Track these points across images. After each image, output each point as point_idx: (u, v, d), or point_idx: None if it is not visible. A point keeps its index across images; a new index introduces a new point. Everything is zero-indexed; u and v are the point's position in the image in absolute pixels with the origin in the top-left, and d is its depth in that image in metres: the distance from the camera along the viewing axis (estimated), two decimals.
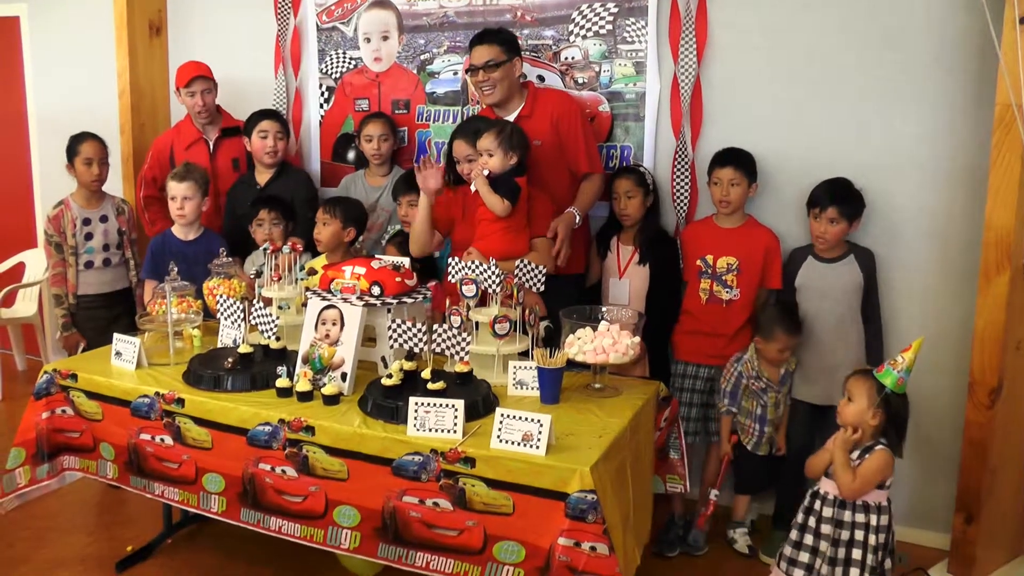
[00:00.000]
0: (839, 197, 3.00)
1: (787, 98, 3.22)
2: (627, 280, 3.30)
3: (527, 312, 2.57)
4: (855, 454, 2.38)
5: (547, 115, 3.21)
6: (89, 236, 3.73)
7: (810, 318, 3.06)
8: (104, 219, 3.77)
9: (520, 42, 3.31)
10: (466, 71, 3.28)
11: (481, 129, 3.02)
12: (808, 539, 2.43)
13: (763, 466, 3.19)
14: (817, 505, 2.43)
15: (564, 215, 3.10)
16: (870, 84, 3.09)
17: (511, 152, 2.89)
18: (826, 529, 2.40)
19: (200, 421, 2.49)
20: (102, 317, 3.68)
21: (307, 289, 2.75)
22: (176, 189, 3.42)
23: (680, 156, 3.39)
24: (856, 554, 2.36)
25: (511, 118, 3.22)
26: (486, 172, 2.90)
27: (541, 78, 3.54)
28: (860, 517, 2.37)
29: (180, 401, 2.52)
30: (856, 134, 3.13)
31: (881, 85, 3.08)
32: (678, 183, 3.41)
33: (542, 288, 2.73)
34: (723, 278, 3.18)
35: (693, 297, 3.24)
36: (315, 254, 3.34)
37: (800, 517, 2.47)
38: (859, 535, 2.37)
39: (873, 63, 3.07)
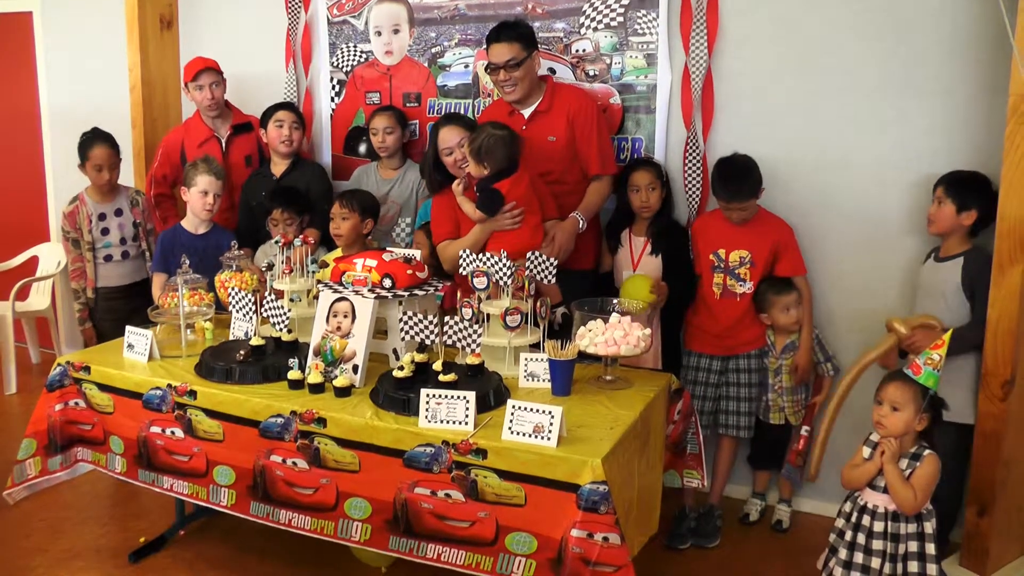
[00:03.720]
0: (951, 177, 2.86)
1: (799, 90, 3.19)
2: (640, 272, 3.29)
3: (538, 304, 2.56)
4: (903, 463, 2.26)
5: (564, 111, 3.20)
6: (105, 231, 3.75)
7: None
8: (119, 212, 3.78)
9: None
10: (485, 68, 3.25)
11: (464, 118, 3.05)
12: (859, 557, 2.28)
13: (775, 439, 3.24)
14: (866, 520, 2.29)
15: (567, 221, 3.08)
16: (883, 75, 3.07)
17: (482, 163, 2.86)
18: (879, 545, 2.26)
19: (212, 413, 2.49)
20: (122, 308, 3.70)
21: (319, 282, 2.76)
22: (212, 185, 3.44)
23: (691, 148, 3.37)
24: (913, 567, 2.22)
25: (528, 112, 3.22)
26: (464, 178, 2.89)
27: (552, 71, 3.53)
28: (913, 527, 2.25)
29: (192, 393, 2.52)
30: (869, 126, 3.11)
31: (894, 76, 3.05)
32: (689, 175, 3.39)
33: (552, 280, 2.72)
34: (736, 272, 3.17)
35: (707, 292, 3.22)
36: (331, 247, 3.34)
37: (849, 535, 2.32)
38: (914, 546, 2.23)
39: (886, 54, 3.05)
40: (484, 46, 3.69)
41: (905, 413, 2.25)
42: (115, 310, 3.71)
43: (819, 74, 3.16)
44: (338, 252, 3.23)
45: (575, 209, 3.15)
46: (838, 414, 2.71)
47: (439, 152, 3.10)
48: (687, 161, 3.38)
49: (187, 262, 2.97)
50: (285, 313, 2.67)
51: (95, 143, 3.70)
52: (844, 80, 3.12)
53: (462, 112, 3.73)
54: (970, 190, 2.83)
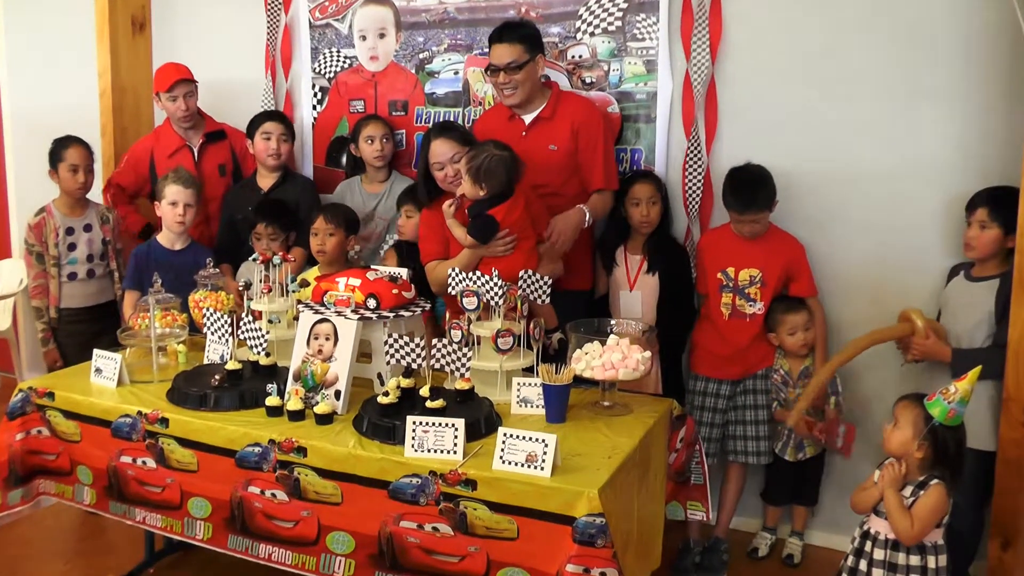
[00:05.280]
0: (994, 198, 2.82)
1: (807, 97, 3.24)
2: (638, 292, 3.33)
3: (532, 326, 2.59)
4: (907, 491, 2.31)
5: (568, 120, 3.23)
6: (72, 246, 3.76)
7: (954, 339, 2.90)
8: (88, 228, 3.80)
9: None
10: (485, 70, 3.30)
11: (459, 130, 3.04)
12: None
13: (791, 473, 3.25)
14: (868, 547, 2.35)
15: (572, 211, 3.09)
16: (895, 81, 3.11)
17: (480, 184, 2.85)
18: (878, 574, 2.32)
19: (185, 442, 2.51)
20: (85, 332, 3.70)
21: (299, 302, 2.78)
22: (181, 195, 3.45)
23: (693, 159, 3.41)
24: None
25: (530, 119, 3.25)
26: (458, 192, 2.90)
27: (546, 77, 3.57)
28: (916, 559, 2.29)
29: (164, 421, 2.53)
30: (881, 135, 3.15)
31: (907, 82, 3.09)
32: (690, 188, 3.43)
33: (547, 300, 2.75)
34: (746, 291, 3.20)
35: (715, 312, 3.25)
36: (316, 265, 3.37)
37: (851, 560, 2.39)
38: None
39: (898, 59, 3.09)
40: (475, 52, 3.74)
41: (901, 432, 2.32)
42: (78, 333, 3.72)
43: (828, 80, 3.20)
44: (315, 271, 3.25)
45: None
46: (830, 376, 2.91)
47: (429, 165, 3.11)
48: (688, 173, 3.42)
49: (159, 280, 2.98)
50: (263, 335, 2.69)
51: (70, 143, 3.73)
52: (854, 87, 3.17)
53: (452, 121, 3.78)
54: (1012, 207, 2.76)
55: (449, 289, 2.73)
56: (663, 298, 3.31)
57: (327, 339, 2.56)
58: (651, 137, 3.48)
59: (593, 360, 2.50)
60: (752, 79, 3.32)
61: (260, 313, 2.84)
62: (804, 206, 3.26)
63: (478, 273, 2.69)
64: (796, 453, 3.21)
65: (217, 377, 2.62)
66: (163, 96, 3.88)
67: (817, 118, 3.23)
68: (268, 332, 2.71)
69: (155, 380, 2.77)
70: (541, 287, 2.74)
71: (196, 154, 3.93)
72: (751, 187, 3.12)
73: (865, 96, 3.16)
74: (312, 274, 3.19)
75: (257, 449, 2.40)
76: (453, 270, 2.74)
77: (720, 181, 3.27)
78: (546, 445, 2.13)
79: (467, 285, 2.67)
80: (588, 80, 3.56)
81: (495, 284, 2.62)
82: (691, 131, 3.40)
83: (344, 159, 4.05)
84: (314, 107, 4.13)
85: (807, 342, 3.18)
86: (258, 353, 2.70)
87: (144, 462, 2.58)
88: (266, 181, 3.79)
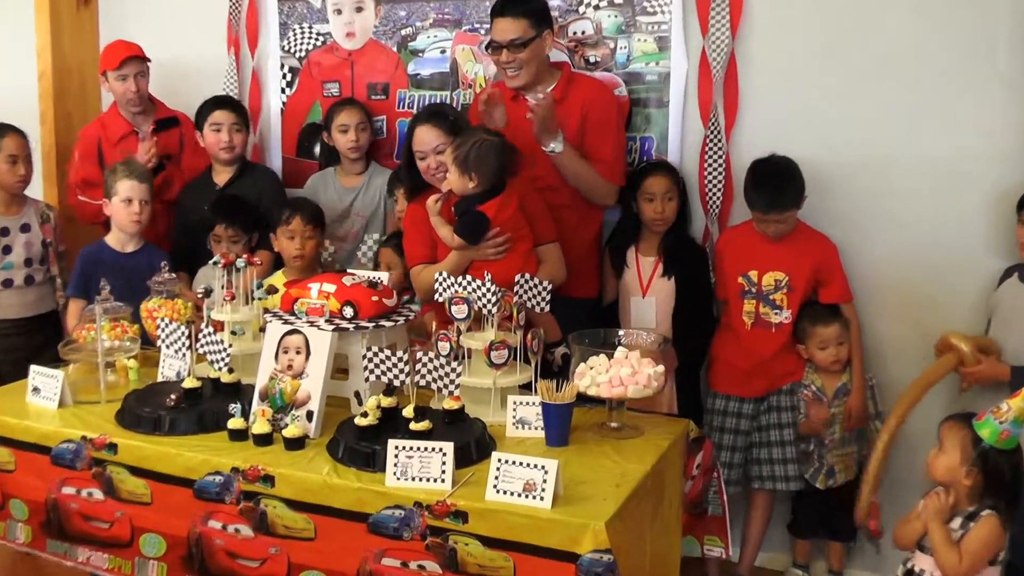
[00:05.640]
0: None
1: (839, 79, 3.24)
2: (652, 298, 3.34)
3: (529, 337, 2.58)
4: (955, 522, 2.30)
5: (578, 104, 3.24)
6: (8, 249, 3.73)
7: (1009, 350, 2.93)
8: (26, 228, 3.78)
9: None
10: (486, 47, 3.30)
11: (448, 117, 3.04)
12: None
13: (823, 501, 3.23)
14: None
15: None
16: (938, 62, 3.12)
17: (469, 175, 2.84)
18: None
19: (137, 471, 2.49)
20: (22, 346, 3.67)
21: (265, 311, 2.77)
22: (136, 190, 3.45)
23: (711, 149, 3.41)
24: None
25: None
26: (444, 187, 2.90)
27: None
28: None
29: (112, 447, 2.52)
30: (920, 122, 3.16)
31: (952, 65, 3.10)
32: (709, 181, 3.43)
33: (547, 307, 2.74)
34: (771, 298, 3.21)
35: (736, 321, 3.26)
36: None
37: None
38: None
39: (940, 37, 3.10)
40: (464, 28, 3.75)
41: (948, 457, 2.31)
42: (14, 348, 3.67)
43: (864, 61, 3.21)
44: (282, 275, 3.25)
45: (571, 230, 3.19)
46: (890, 446, 2.80)
47: (413, 153, 3.11)
48: (706, 165, 3.43)
49: (107, 287, 2.97)
50: (225, 349, 2.68)
51: (5, 131, 3.70)
52: (893, 68, 3.17)
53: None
54: None
55: (436, 295, 2.73)
56: (679, 305, 3.32)
57: (298, 353, 2.55)
58: (663, 124, 3.49)
59: (599, 376, 2.50)
60: (777, 58, 3.33)
61: (222, 324, 2.83)
62: (835, 201, 3.27)
63: (469, 278, 2.68)
64: (827, 480, 3.21)
65: (173, 397, 2.61)
66: (111, 75, 3.87)
67: (851, 103, 3.24)
68: (231, 345, 2.71)
69: (102, 400, 2.76)
70: (540, 293, 2.73)
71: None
72: (777, 182, 3.13)
73: (905, 79, 3.16)
74: (280, 279, 3.19)
75: (218, 478, 2.38)
76: (440, 274, 2.73)
77: (741, 173, 3.28)
78: (546, 472, 2.12)
79: (456, 291, 2.67)
80: (592, 59, 3.56)
81: (488, 290, 2.62)
82: (709, 117, 3.41)
83: (317, 149, 4.05)
84: (283, 90, 4.13)
85: (840, 357, 3.18)
86: (219, 369, 2.69)
87: (90, 494, 2.57)
88: (222, 176, 3.79)
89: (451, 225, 2.91)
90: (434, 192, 3.00)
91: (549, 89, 3.24)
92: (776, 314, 3.21)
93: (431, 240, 3.04)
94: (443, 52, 3.81)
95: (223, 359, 2.68)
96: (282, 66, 4.12)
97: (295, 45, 4.08)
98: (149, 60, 3.91)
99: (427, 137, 3.05)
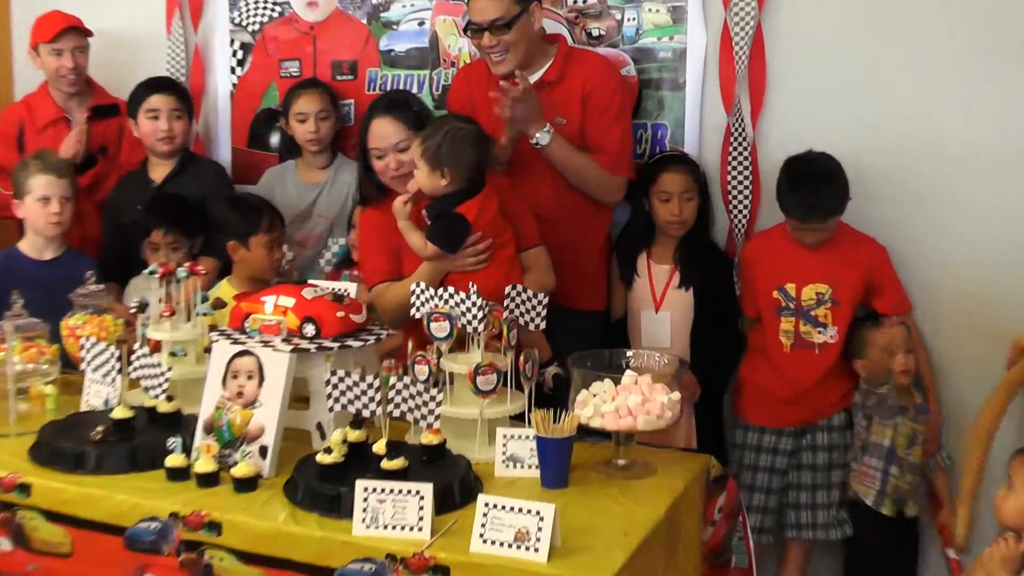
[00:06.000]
0: None
1: (882, 55, 3.28)
2: (666, 313, 3.36)
3: (522, 359, 2.59)
4: None
5: (579, 84, 3.26)
6: None
7: None
8: None
9: None
10: (465, 30, 3.32)
11: (411, 107, 3.05)
12: None
13: (887, 534, 3.22)
14: None
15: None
16: (1006, 33, 3.15)
17: (441, 171, 2.85)
18: None
19: (54, 516, 2.48)
20: None
21: (211, 328, 2.78)
22: (54, 187, 3.46)
23: (736, 139, 3.45)
24: None
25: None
26: (412, 188, 2.90)
27: (542, 30, 3.58)
28: None
29: (24, 488, 2.51)
30: (981, 104, 3.19)
31: (1002, 42, 3.14)
32: (733, 176, 3.47)
33: (542, 324, 2.76)
34: (812, 314, 3.23)
35: (771, 342, 3.28)
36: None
37: None
38: None
39: (990, 14, 3.14)
40: None
41: (1018, 497, 2.30)
42: None
43: (915, 31, 3.24)
44: (227, 287, 3.25)
45: (575, 232, 3.23)
46: (985, 462, 2.78)
47: (367, 149, 3.11)
48: (729, 158, 3.46)
49: (20, 301, 2.96)
50: (163, 373, 2.68)
51: None
52: (950, 40, 3.20)
53: (415, 92, 3.78)
54: None
55: (413, 311, 2.73)
56: (699, 321, 3.35)
57: (249, 378, 2.56)
58: (678, 109, 3.52)
59: (604, 405, 2.50)
60: (813, 31, 3.36)
61: (159, 343, 2.83)
62: (881, 198, 3.30)
63: (451, 290, 2.69)
64: (895, 506, 3.17)
65: (100, 429, 2.61)
66: (43, 49, 3.90)
67: (898, 83, 3.27)
68: (170, 369, 2.71)
69: (12, 434, 2.75)
70: (534, 307, 2.74)
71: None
72: (815, 185, 3.15)
73: (965, 53, 3.19)
74: (228, 291, 3.20)
75: (154, 525, 2.38)
76: (417, 285, 2.74)
77: (769, 167, 3.31)
78: (541, 519, 2.12)
79: (436, 305, 2.68)
80: (595, 33, 3.58)
81: (474, 304, 2.63)
82: (732, 102, 3.44)
83: (273, 138, 4.07)
84: (233, 70, 4.15)
85: (910, 367, 3.15)
86: (156, 397, 2.69)
87: None
88: (159, 171, 3.81)
89: (424, 231, 2.92)
90: (394, 197, 3.00)
91: (544, 68, 3.26)
92: (820, 333, 3.23)
93: (392, 252, 3.05)
94: (421, 24, 3.83)
95: (160, 385, 2.68)
96: (232, 42, 4.14)
97: (247, 17, 4.10)
98: (90, 34, 3.93)
99: (386, 131, 3.05)
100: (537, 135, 3.12)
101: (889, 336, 3.16)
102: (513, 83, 3.05)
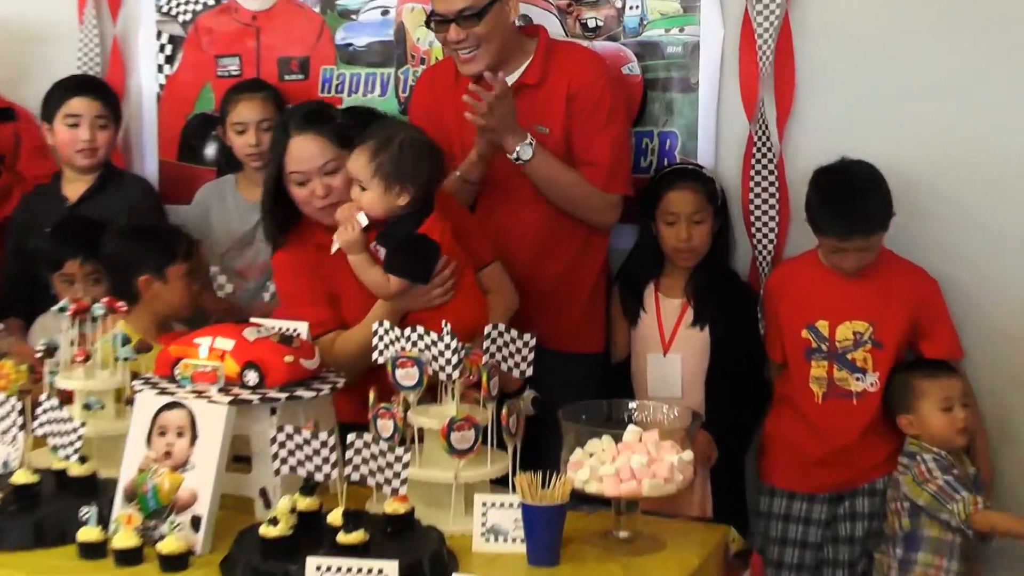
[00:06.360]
0: None
1: (930, 54, 3.30)
2: (677, 356, 3.37)
3: (505, 412, 2.59)
4: None
5: (562, 85, 3.28)
6: None
7: None
8: None
9: None
10: (427, 23, 3.32)
11: (334, 119, 3.03)
12: None
13: None
14: None
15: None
16: None
17: (400, 186, 2.85)
18: None
19: None
20: None
21: (134, 376, 2.77)
22: None
23: (759, 149, 3.47)
24: None
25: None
26: (362, 220, 2.85)
27: (527, 20, 3.61)
28: None
29: None
30: None
31: None
32: (756, 195, 3.49)
33: (529, 371, 2.76)
34: (849, 357, 3.23)
35: (800, 391, 3.29)
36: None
37: None
38: None
39: None
40: None
41: None
42: None
43: (969, 25, 3.26)
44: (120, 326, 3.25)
45: (560, 273, 3.27)
46: None
47: (286, 176, 3.05)
48: (752, 172, 3.48)
49: None
50: (75, 429, 2.67)
51: None
52: (1009, 33, 3.22)
53: (379, 95, 3.82)
54: None
55: (375, 355, 2.74)
56: (715, 366, 3.37)
57: (180, 435, 2.55)
58: (690, 115, 3.54)
59: (603, 466, 2.50)
60: (848, 25, 3.39)
61: (71, 394, 2.82)
62: (928, 221, 3.32)
63: (420, 330, 2.68)
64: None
65: None
66: None
67: (956, 83, 3.29)
68: (83, 424, 2.69)
69: None
70: (519, 350, 2.75)
71: None
72: (856, 195, 3.15)
73: (1015, 54, 3.22)
74: (130, 331, 3.19)
75: None
76: (380, 325, 2.74)
77: (798, 182, 3.32)
78: None
79: (402, 348, 2.68)
80: (591, 24, 3.61)
81: (447, 347, 2.63)
82: (755, 106, 3.45)
83: (211, 149, 4.09)
84: (160, 68, 4.17)
85: (969, 425, 3.14)
86: (67, 457, 2.68)
87: None
88: (75, 187, 3.81)
89: (380, 263, 2.90)
90: (316, 229, 3.01)
91: (522, 68, 3.28)
92: (858, 379, 3.23)
93: (329, 294, 3.04)
94: (385, 14, 3.85)
95: (72, 443, 2.67)
96: (158, 35, 4.15)
97: (177, 4, 4.11)
98: None
99: (309, 151, 3.00)
100: (517, 149, 3.13)
101: (946, 387, 3.13)
102: (487, 87, 3.06)
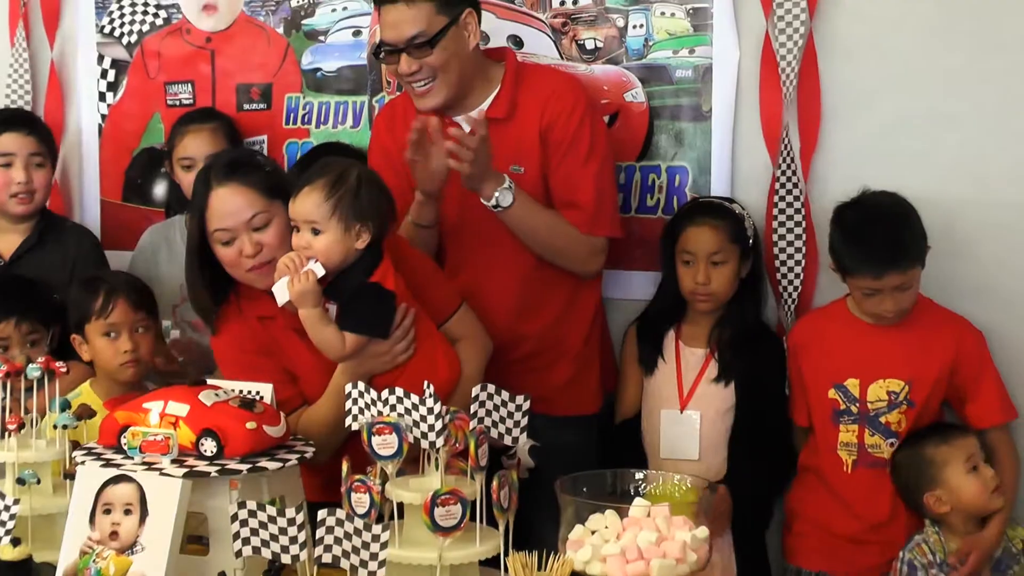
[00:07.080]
0: None
1: (971, 79, 3.34)
2: (695, 413, 3.40)
3: (496, 484, 2.60)
4: None
5: (535, 115, 3.30)
6: None
7: None
8: None
9: None
10: (375, 53, 3.35)
11: (263, 167, 3.04)
12: None
13: None
14: None
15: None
16: None
17: (361, 226, 2.86)
18: None
19: None
20: None
21: (75, 446, 2.80)
22: None
23: (782, 185, 3.51)
24: None
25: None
26: (319, 270, 2.83)
27: (517, 41, 3.68)
28: None
29: None
30: None
31: None
32: (780, 236, 3.52)
33: (522, 437, 2.78)
34: (882, 420, 3.25)
35: (827, 459, 3.31)
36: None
37: None
38: None
39: None
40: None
41: None
42: None
43: (1010, 48, 3.32)
44: (89, 391, 3.28)
45: (547, 329, 3.32)
46: None
47: (209, 235, 3.02)
48: (776, 211, 3.51)
49: None
50: (8, 507, 2.69)
51: None
52: None
53: (350, 126, 3.87)
54: None
55: (349, 421, 2.76)
56: (740, 428, 3.39)
57: (127, 512, 2.56)
58: (702, 147, 3.59)
59: (606, 545, 2.51)
60: (882, 45, 3.43)
61: (2, 466, 2.85)
62: (967, 263, 3.36)
63: (399, 392, 2.69)
64: None
65: None
66: None
67: (1007, 111, 3.33)
68: (16, 501, 2.71)
69: None
70: (512, 414, 2.77)
71: None
72: (884, 227, 3.16)
73: None
74: (94, 397, 3.22)
75: None
76: (354, 387, 2.75)
77: (825, 225, 3.32)
78: None
79: (379, 413, 2.70)
80: (590, 45, 3.67)
81: (430, 410, 2.64)
82: (778, 137, 3.49)
83: (157, 189, 4.14)
84: (102, 96, 4.22)
85: (999, 482, 3.14)
86: None
87: None
88: (9, 241, 3.85)
89: (335, 321, 2.90)
90: (257, 297, 3.02)
91: (488, 100, 3.31)
92: (892, 445, 3.24)
93: (283, 367, 3.05)
94: (357, 35, 3.90)
95: (3, 524, 2.68)
96: (100, 59, 4.20)
97: (121, 25, 4.16)
98: None
99: (234, 205, 2.99)
100: (496, 194, 3.12)
101: (966, 447, 3.14)
102: (445, 126, 3.08)
